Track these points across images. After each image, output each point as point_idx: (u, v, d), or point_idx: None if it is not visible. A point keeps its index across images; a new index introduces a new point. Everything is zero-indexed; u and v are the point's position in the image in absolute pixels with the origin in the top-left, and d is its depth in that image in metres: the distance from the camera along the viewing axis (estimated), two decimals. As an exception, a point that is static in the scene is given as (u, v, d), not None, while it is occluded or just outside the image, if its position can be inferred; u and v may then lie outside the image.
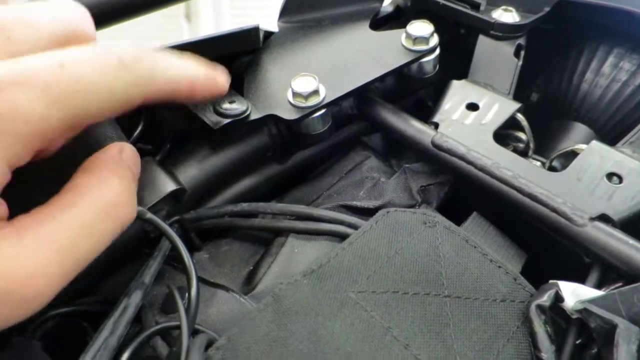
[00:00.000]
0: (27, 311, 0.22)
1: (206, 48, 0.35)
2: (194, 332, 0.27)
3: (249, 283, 0.33)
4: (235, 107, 0.33)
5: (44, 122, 0.21)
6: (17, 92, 0.20)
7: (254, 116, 0.34)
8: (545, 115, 0.45)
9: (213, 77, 0.29)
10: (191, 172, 0.35)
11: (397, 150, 0.41)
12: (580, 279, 0.30)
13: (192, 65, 0.27)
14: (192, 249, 0.35)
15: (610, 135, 0.43)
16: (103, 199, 0.24)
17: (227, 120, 0.33)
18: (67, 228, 0.22)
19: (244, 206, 0.35)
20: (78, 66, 0.22)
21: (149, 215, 0.30)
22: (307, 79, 0.35)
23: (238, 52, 0.38)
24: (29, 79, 0.21)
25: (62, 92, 0.21)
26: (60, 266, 0.22)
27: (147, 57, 0.24)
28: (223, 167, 0.36)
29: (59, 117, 0.22)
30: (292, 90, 0.35)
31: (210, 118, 0.33)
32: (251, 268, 0.34)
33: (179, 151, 0.36)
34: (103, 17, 0.33)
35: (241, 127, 0.34)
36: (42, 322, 0.30)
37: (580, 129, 0.43)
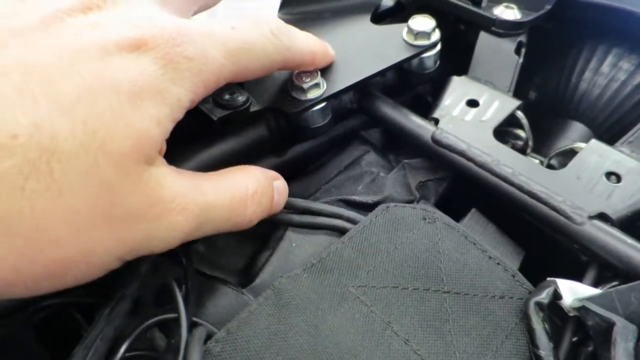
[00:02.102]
0: (162, 240, 0.25)
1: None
2: (191, 325, 0.27)
3: (246, 276, 0.32)
4: (235, 98, 0.33)
5: (221, 70, 0.26)
6: (206, 42, 0.25)
7: (254, 108, 0.34)
8: (544, 113, 0.46)
9: (326, 49, 0.35)
10: (189, 164, 0.34)
11: (396, 145, 0.41)
12: (577, 277, 0.30)
13: (313, 38, 0.33)
14: (188, 242, 0.35)
15: (608, 134, 0.43)
16: (236, 201, 0.28)
17: (227, 112, 0.32)
18: (213, 198, 0.26)
19: (242, 198, 0.34)
20: (244, 29, 0.27)
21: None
22: (308, 72, 0.34)
23: None
24: (212, 34, 0.26)
25: (234, 48, 0.26)
26: (188, 223, 0.25)
27: (286, 29, 0.30)
28: (221, 159, 0.35)
29: (230, 68, 0.27)
30: (293, 82, 0.34)
31: (211, 109, 0.33)
32: (248, 261, 0.34)
33: (177, 142, 0.35)
34: None
35: (240, 119, 0.34)
36: (35, 312, 0.30)
37: (578, 128, 0.43)
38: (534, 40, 0.44)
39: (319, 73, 0.34)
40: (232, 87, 0.34)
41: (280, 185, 0.32)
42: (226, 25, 0.27)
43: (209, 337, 0.25)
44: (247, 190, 0.28)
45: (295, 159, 0.39)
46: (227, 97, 0.33)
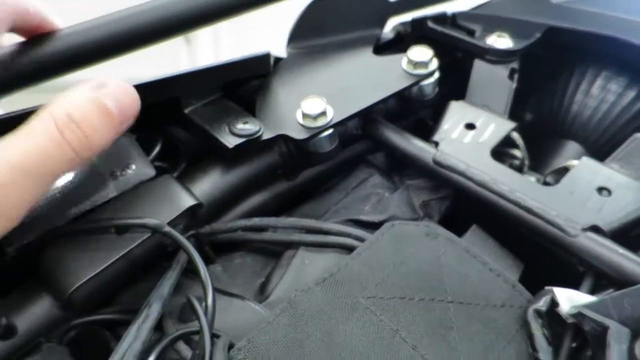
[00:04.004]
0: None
1: (221, 73, 0.37)
2: (213, 337, 0.29)
3: (262, 293, 0.34)
4: (248, 127, 0.36)
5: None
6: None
7: (266, 136, 0.36)
8: (539, 133, 0.48)
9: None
10: (206, 188, 0.37)
11: (399, 167, 0.43)
12: (574, 286, 0.32)
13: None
14: (206, 262, 0.37)
15: (601, 151, 0.45)
16: (55, 128, 0.25)
17: (241, 140, 0.35)
18: (19, 148, 0.25)
19: (256, 221, 0.37)
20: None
21: (168, 228, 0.32)
22: (316, 101, 0.37)
23: (250, 77, 0.40)
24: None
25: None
26: (11, 178, 0.24)
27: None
28: (236, 184, 0.38)
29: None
30: (302, 111, 0.37)
31: (226, 138, 0.35)
32: (263, 279, 0.36)
33: (194, 169, 0.38)
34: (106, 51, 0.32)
35: (254, 146, 0.36)
36: (67, 330, 0.32)
37: (572, 146, 0.46)
38: (527, 65, 0.46)
39: (326, 101, 0.37)
40: (245, 116, 0.37)
41: (111, 90, 0.27)
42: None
43: (230, 347, 0.27)
44: (51, 127, 0.25)
45: (305, 183, 0.42)
46: (240, 126, 0.36)
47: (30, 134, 0.25)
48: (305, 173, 0.41)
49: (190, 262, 0.32)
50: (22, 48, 0.30)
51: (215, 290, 0.34)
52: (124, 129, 0.28)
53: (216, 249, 0.38)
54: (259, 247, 0.38)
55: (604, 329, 0.28)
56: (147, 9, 0.32)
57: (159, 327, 0.31)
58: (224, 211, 0.39)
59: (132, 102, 0.28)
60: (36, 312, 0.31)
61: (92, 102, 0.27)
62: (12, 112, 0.29)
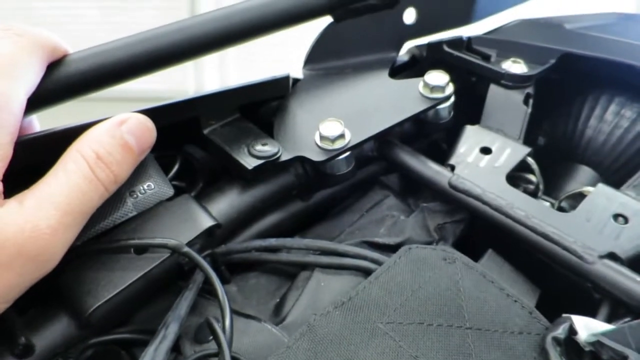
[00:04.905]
0: (42, 266, 0.26)
1: (240, 95, 0.38)
2: (232, 360, 0.29)
3: (277, 314, 0.35)
4: (267, 149, 0.36)
5: None
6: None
7: (284, 157, 0.37)
8: (552, 157, 0.48)
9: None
10: (223, 208, 0.37)
11: (414, 189, 0.43)
12: (591, 313, 0.32)
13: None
14: (222, 282, 0.37)
15: (615, 177, 0.45)
16: (88, 167, 0.28)
17: (260, 162, 0.35)
18: (61, 190, 0.26)
19: (272, 241, 0.37)
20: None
21: (186, 249, 0.32)
22: (334, 123, 0.37)
23: (269, 98, 0.41)
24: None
25: None
26: (58, 219, 0.26)
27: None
28: (252, 205, 0.38)
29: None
30: (320, 133, 0.37)
31: (245, 159, 0.35)
32: (278, 300, 0.36)
33: (211, 189, 0.38)
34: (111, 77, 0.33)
35: (271, 167, 0.37)
36: (84, 350, 0.32)
37: (585, 172, 0.46)
38: (541, 90, 0.47)
39: (344, 124, 0.37)
40: (264, 138, 0.37)
41: (131, 126, 0.30)
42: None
43: (250, 371, 0.27)
44: (84, 166, 0.27)
45: (319, 203, 0.42)
46: (259, 147, 0.36)
47: (66, 174, 0.27)
48: (319, 193, 0.42)
49: (207, 282, 0.32)
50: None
51: (232, 311, 0.34)
52: (141, 159, 0.31)
53: (230, 269, 0.38)
54: (274, 268, 0.38)
55: (623, 358, 0.28)
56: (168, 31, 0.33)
57: (175, 348, 0.31)
58: (238, 231, 0.39)
59: (150, 134, 0.31)
60: (54, 330, 0.31)
61: (115, 139, 0.29)
62: (48, 130, 0.31)
